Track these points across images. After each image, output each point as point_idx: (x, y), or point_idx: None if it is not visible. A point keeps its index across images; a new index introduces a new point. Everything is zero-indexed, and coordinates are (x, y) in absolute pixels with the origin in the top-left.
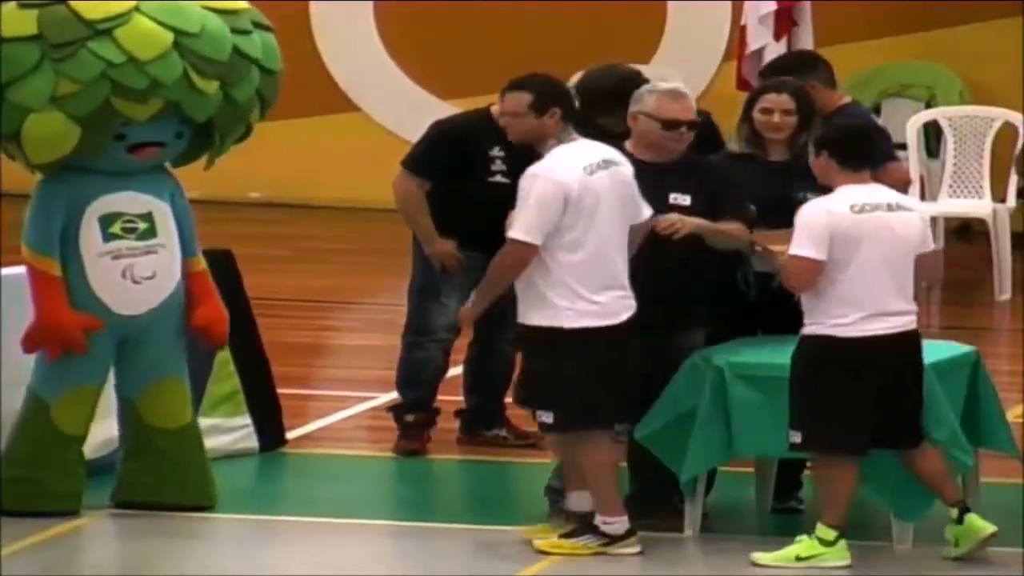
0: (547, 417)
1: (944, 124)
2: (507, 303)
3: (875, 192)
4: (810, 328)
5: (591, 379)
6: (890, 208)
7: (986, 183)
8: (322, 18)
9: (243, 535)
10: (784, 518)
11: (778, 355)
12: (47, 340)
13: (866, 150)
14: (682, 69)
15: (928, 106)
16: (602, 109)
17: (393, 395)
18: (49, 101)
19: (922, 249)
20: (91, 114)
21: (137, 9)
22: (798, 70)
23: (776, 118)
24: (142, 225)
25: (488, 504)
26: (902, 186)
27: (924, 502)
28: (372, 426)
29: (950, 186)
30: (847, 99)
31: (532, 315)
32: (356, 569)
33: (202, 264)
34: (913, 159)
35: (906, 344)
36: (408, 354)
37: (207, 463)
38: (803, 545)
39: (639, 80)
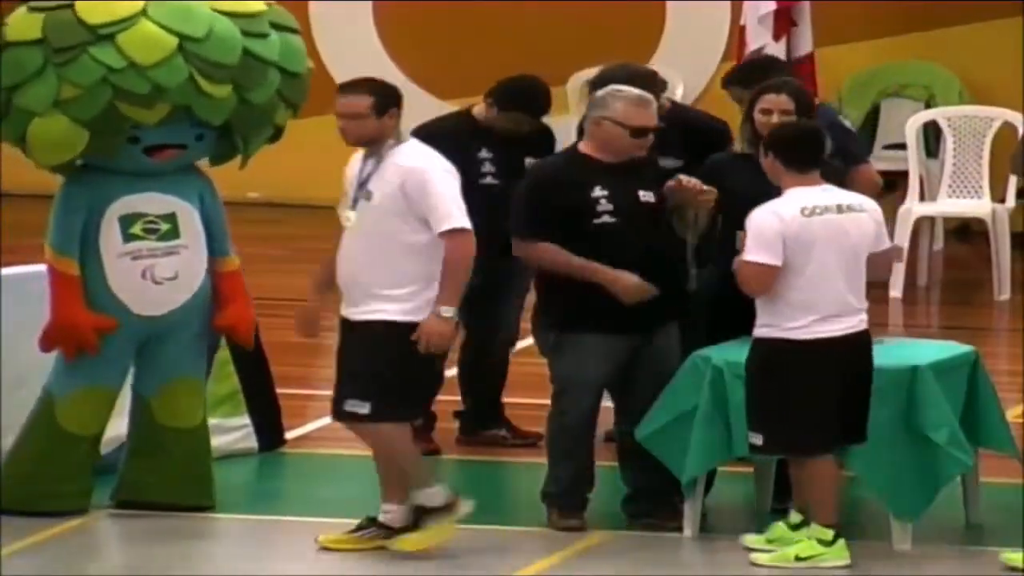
0: (363, 408)
1: (943, 124)
2: (500, 304)
3: (824, 194)
4: (763, 331)
5: (404, 372)
6: (840, 210)
7: (985, 183)
8: (321, 18)
9: (242, 535)
10: (783, 518)
11: None
12: (61, 339)
13: (813, 152)
14: (681, 69)
15: (927, 106)
16: None
17: None
18: (52, 105)
19: (875, 248)
20: (96, 118)
21: (143, 13)
22: (757, 79)
23: (775, 119)
24: (164, 226)
25: (488, 504)
26: (871, 188)
27: (924, 502)
28: None
29: (949, 186)
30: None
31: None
32: (356, 569)
33: (234, 264)
34: (912, 159)
35: (858, 344)
36: None
37: (211, 465)
38: (802, 545)
39: (653, 79)
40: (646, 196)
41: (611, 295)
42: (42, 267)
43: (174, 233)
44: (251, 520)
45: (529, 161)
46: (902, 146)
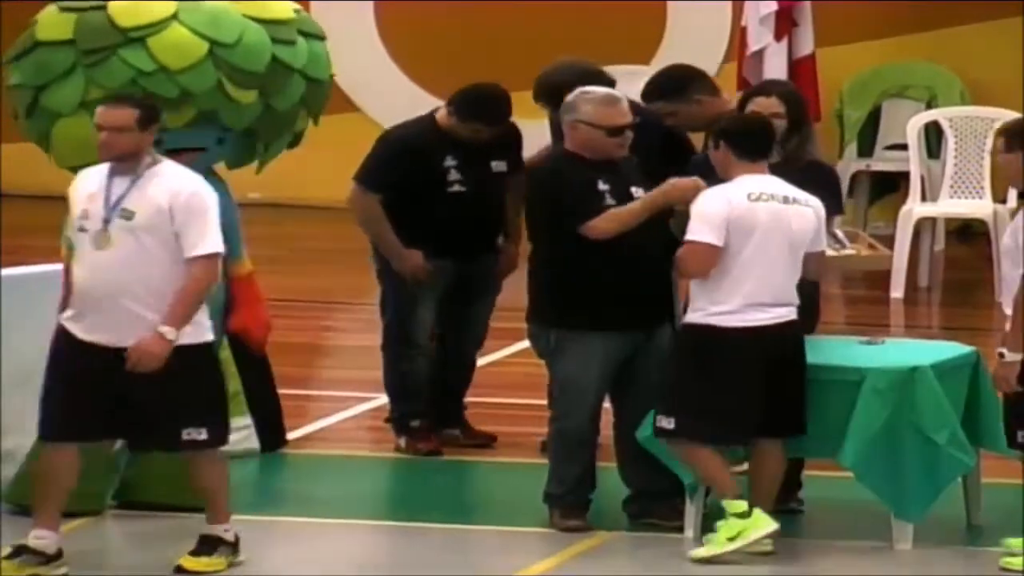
0: (202, 434)
1: (945, 125)
2: (472, 307)
3: (772, 183)
4: (691, 316)
5: (223, 391)
6: (786, 200)
7: (986, 184)
8: (322, 18)
9: (244, 535)
10: (784, 519)
11: None
12: None
13: (763, 141)
14: None
15: (929, 107)
16: (556, 104)
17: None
18: (79, 106)
19: (812, 248)
20: None
21: (175, 17)
22: (674, 90)
23: None
24: None
25: (487, 505)
26: None
27: (924, 502)
28: (372, 427)
29: (950, 187)
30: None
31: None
32: (356, 569)
33: (247, 267)
34: (914, 160)
35: (785, 335)
36: (396, 368)
37: None
38: (725, 528)
39: (600, 78)
40: (638, 192)
41: (610, 294)
42: (42, 268)
43: None
44: (253, 520)
45: (496, 164)
46: (903, 147)
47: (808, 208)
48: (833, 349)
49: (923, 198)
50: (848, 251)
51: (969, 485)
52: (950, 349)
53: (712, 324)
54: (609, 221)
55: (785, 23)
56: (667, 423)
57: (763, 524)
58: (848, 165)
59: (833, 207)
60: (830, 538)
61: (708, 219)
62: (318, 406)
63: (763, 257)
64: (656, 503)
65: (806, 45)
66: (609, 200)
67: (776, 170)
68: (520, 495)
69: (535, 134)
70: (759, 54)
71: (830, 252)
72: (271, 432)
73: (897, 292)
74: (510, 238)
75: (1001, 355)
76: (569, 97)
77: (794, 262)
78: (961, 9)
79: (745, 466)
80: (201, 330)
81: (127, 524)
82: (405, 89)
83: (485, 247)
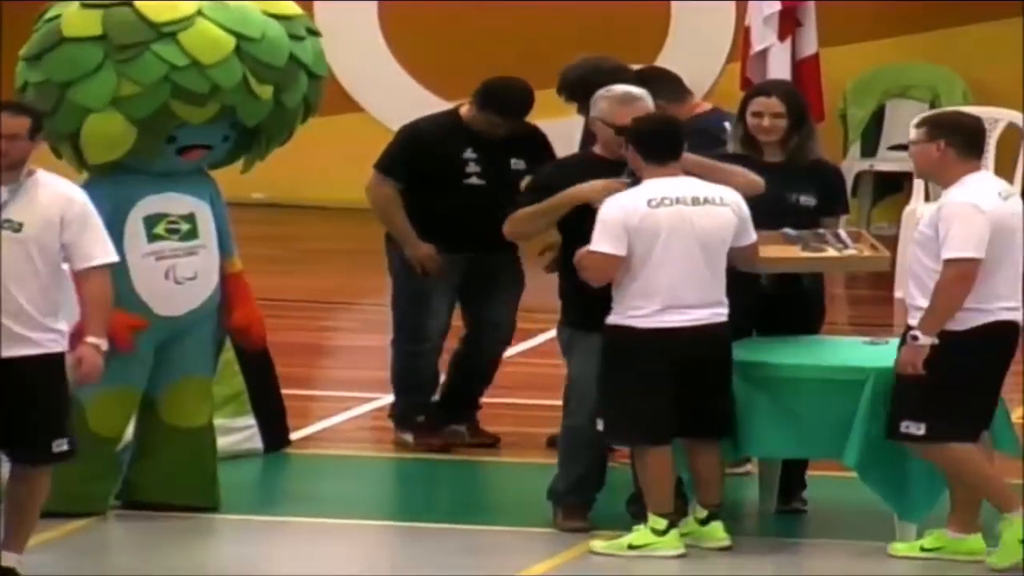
0: (64, 446)
1: None
2: (491, 303)
3: (679, 185)
4: (610, 318)
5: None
6: (695, 202)
7: None
8: (326, 19)
9: (247, 535)
10: (788, 519)
11: (782, 356)
12: None
13: (670, 145)
14: (686, 70)
15: (931, 107)
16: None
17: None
18: (110, 102)
19: (737, 243)
20: (149, 116)
21: (200, 13)
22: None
23: (766, 121)
24: (185, 226)
25: (489, 504)
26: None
27: (925, 502)
28: (375, 427)
29: None
30: (706, 106)
31: None
32: (359, 569)
33: (238, 265)
34: None
35: (707, 336)
36: (406, 362)
37: (216, 466)
38: (638, 535)
39: (620, 74)
40: None
41: (608, 294)
42: None
43: (194, 233)
44: (256, 521)
45: (515, 162)
46: (907, 147)
47: (723, 207)
48: (837, 349)
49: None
50: (851, 251)
51: None
52: None
53: (627, 325)
54: (513, 223)
55: (789, 23)
56: (599, 425)
57: (673, 546)
58: (852, 165)
59: (838, 206)
60: (833, 538)
61: (606, 228)
62: (321, 406)
63: (672, 260)
64: None
65: (810, 45)
66: None
67: (780, 170)
68: (523, 495)
69: (551, 133)
70: (763, 54)
71: (832, 252)
72: (274, 432)
73: (900, 292)
74: None
75: (915, 337)
76: (596, 95)
77: (712, 262)
78: (964, 9)
79: (746, 467)
80: (63, 339)
81: (128, 524)
82: (408, 89)
83: (501, 244)
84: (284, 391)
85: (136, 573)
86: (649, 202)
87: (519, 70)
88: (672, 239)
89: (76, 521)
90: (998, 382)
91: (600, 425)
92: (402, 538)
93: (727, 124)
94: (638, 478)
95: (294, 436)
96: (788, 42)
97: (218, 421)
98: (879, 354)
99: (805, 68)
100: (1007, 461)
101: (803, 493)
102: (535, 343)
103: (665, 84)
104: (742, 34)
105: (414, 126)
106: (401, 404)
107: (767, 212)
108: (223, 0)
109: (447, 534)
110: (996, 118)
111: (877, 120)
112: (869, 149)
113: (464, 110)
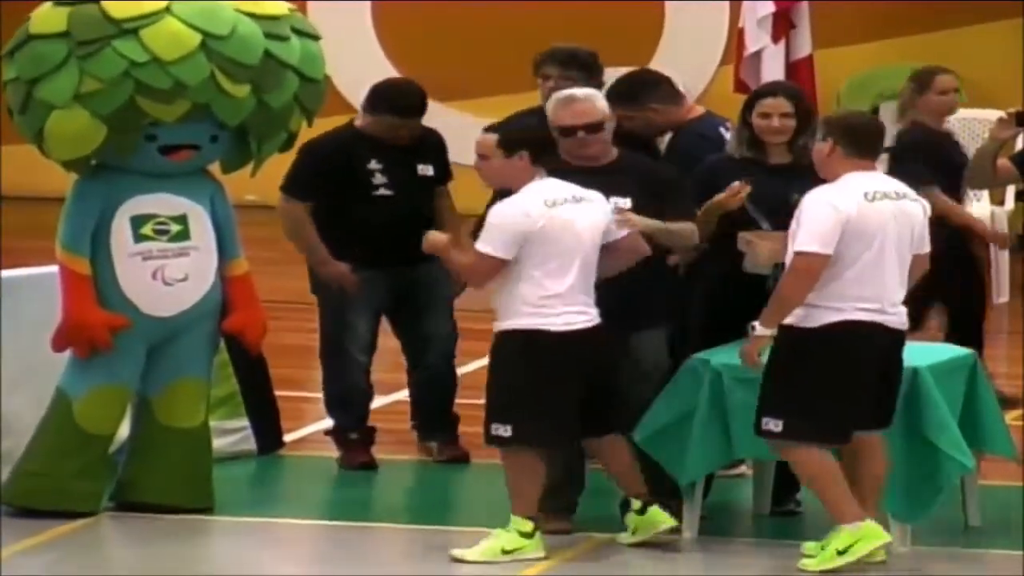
0: None
1: None
2: (423, 315)
3: (563, 186)
4: (505, 323)
5: None
6: (575, 200)
7: None
8: (319, 20)
9: (241, 537)
10: (782, 520)
11: None
12: (74, 338)
13: (549, 147)
14: (680, 71)
15: None
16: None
17: (390, 399)
18: (73, 98)
19: (609, 239)
20: (116, 112)
21: (168, 10)
22: (629, 97)
23: (775, 122)
24: (175, 227)
25: (488, 506)
26: None
27: (923, 503)
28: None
29: None
30: (699, 110)
31: None
32: (354, 571)
33: (243, 268)
34: None
35: (591, 339)
36: (333, 381)
37: (211, 467)
38: (506, 538)
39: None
40: (617, 201)
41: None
42: (41, 270)
43: (185, 235)
44: (249, 522)
45: (422, 168)
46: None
47: (597, 203)
48: None
49: None
50: None
51: (966, 486)
52: (948, 351)
53: (531, 328)
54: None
55: (783, 25)
56: (503, 430)
57: (536, 549)
58: None
59: None
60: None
61: (496, 232)
62: (315, 408)
63: (566, 261)
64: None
65: (804, 47)
66: None
67: (787, 170)
68: None
69: None
70: (757, 56)
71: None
72: (268, 434)
73: None
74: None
75: (752, 328)
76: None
77: (590, 264)
78: (959, 11)
79: (741, 469)
80: None
81: (122, 525)
82: None
83: (420, 256)
84: (278, 393)
85: (130, 574)
86: (545, 202)
87: (513, 71)
88: (563, 239)
89: (70, 522)
90: (862, 383)
91: (506, 430)
92: (396, 540)
93: (723, 129)
94: (507, 479)
95: (288, 438)
96: (782, 44)
97: (212, 423)
98: None
99: (799, 70)
100: (1000, 463)
101: (797, 495)
102: None
103: (662, 88)
104: (736, 36)
105: (313, 143)
106: (333, 420)
107: (774, 212)
108: None
109: (439, 536)
110: (992, 120)
111: None
112: None
113: (359, 121)
